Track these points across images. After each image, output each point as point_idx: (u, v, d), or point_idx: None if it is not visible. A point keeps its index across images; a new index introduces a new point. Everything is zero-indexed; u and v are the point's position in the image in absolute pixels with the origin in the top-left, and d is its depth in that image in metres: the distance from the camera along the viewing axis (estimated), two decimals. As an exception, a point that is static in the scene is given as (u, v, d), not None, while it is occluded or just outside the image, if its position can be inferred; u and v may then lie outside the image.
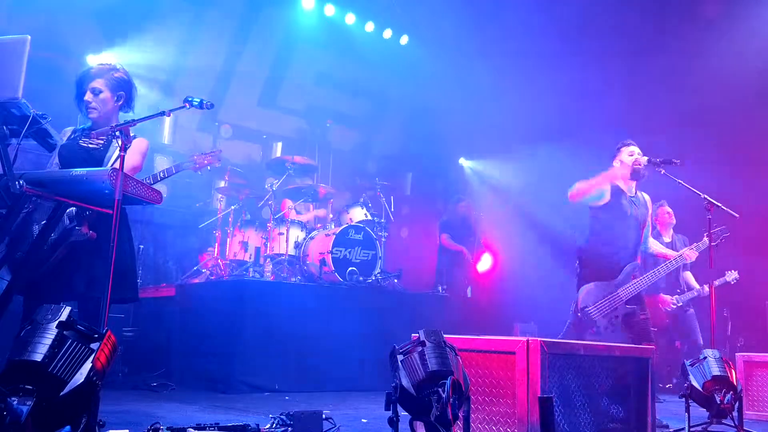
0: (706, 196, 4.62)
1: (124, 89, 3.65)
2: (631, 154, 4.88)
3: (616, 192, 4.83)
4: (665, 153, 4.87)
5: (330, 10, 9.25)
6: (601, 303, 4.62)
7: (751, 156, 7.56)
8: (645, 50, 8.40)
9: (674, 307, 5.67)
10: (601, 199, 4.78)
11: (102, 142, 3.54)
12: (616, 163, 4.93)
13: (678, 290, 5.86)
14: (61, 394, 2.15)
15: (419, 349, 2.64)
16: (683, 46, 8.19)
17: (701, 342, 6.22)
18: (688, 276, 6.49)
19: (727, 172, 7.25)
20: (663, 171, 4.73)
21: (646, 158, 4.82)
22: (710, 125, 7.90)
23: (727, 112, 7.71)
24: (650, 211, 5.02)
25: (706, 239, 4.88)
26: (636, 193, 4.94)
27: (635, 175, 4.86)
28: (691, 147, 7.52)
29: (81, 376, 2.19)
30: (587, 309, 4.64)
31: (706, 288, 5.84)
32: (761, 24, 7.65)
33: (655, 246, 5.12)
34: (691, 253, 4.89)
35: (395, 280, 7.19)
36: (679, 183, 4.75)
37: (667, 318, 5.80)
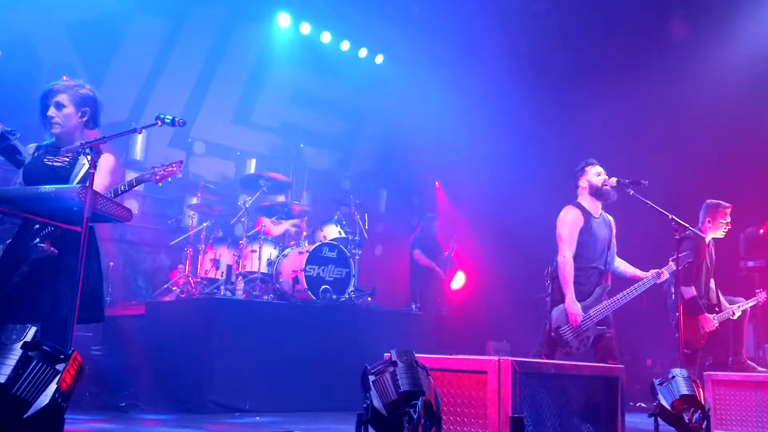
0: (673, 217, 4.69)
1: (88, 105, 3.59)
2: (598, 174, 4.93)
3: (587, 215, 4.88)
4: (635, 175, 4.94)
5: (306, 28, 9.29)
6: (576, 325, 4.67)
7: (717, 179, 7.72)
8: (618, 74, 8.55)
9: (714, 328, 5.69)
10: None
11: (68, 160, 3.49)
12: (582, 183, 4.98)
13: (717, 309, 5.87)
14: (26, 416, 2.11)
15: (391, 369, 2.64)
16: (654, 69, 8.37)
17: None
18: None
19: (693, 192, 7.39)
20: (632, 192, 4.80)
21: (615, 179, 4.88)
22: (680, 148, 8.06)
23: (699, 134, 7.88)
24: (614, 232, 5.08)
25: (671, 263, 4.95)
26: (601, 214, 5.00)
27: (604, 195, 4.91)
28: (659, 169, 7.65)
29: (46, 397, 2.15)
30: (561, 329, 4.68)
31: (737, 311, 5.87)
32: (731, 49, 7.86)
33: (622, 266, 5.16)
34: (664, 274, 4.93)
35: (369, 298, 7.18)
36: (648, 204, 4.83)
37: (704, 339, 5.76)
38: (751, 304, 5.90)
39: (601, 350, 4.71)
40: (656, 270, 4.95)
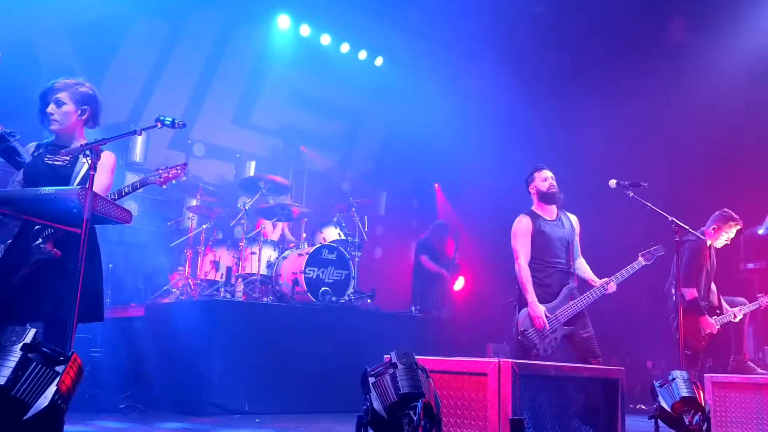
0: (673, 219, 4.69)
1: (88, 104, 3.58)
2: (544, 180, 5.01)
3: (536, 220, 4.93)
4: (634, 176, 4.95)
5: (305, 30, 9.30)
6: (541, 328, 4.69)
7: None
8: (617, 76, 8.56)
9: (715, 330, 5.72)
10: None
11: (69, 159, 3.48)
12: (531, 189, 5.04)
13: (718, 311, 5.89)
14: (25, 418, 2.10)
15: (391, 371, 2.64)
16: (653, 71, 8.37)
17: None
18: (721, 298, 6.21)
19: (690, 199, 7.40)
20: (631, 194, 4.81)
21: (614, 180, 4.89)
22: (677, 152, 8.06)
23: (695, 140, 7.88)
24: (577, 231, 5.10)
25: (641, 259, 4.96)
26: (558, 215, 5.03)
27: (550, 199, 4.96)
28: (658, 170, 7.65)
29: (45, 399, 2.15)
30: (527, 332, 4.71)
31: (738, 314, 5.91)
32: (730, 51, 7.86)
33: (581, 268, 5.12)
34: (611, 285, 4.89)
35: (368, 300, 7.17)
36: (648, 206, 4.82)
37: (705, 341, 5.78)
38: (752, 308, 5.91)
39: (580, 351, 4.74)
40: (606, 279, 4.91)
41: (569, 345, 4.79)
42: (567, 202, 5.08)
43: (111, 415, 5.38)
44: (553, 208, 5.03)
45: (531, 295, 4.75)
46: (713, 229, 5.89)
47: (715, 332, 5.67)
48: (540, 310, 4.71)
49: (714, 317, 5.72)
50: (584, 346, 4.73)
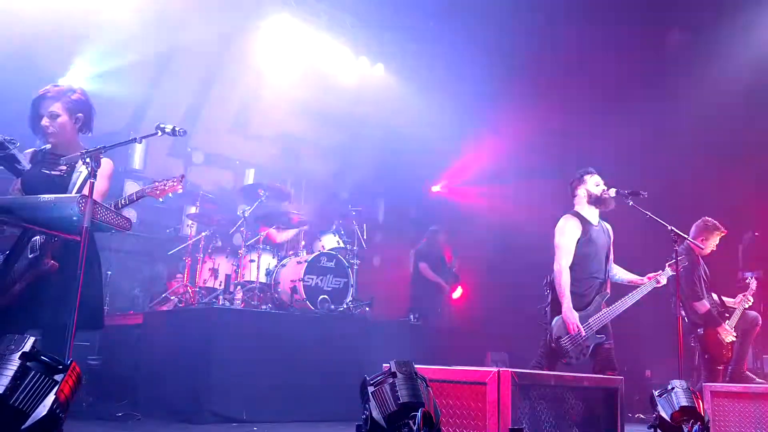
0: (672, 228, 4.70)
1: (82, 111, 3.58)
2: (597, 184, 4.96)
3: (585, 224, 4.89)
4: (633, 185, 4.96)
5: (305, 38, 9.29)
6: (575, 334, 4.67)
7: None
8: (618, 88, 8.58)
9: (734, 337, 5.75)
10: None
11: (65, 168, 3.47)
12: (581, 192, 4.99)
13: (727, 314, 5.93)
14: (23, 427, 2.10)
15: (390, 380, 2.63)
16: (654, 79, 8.40)
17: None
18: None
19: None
20: (631, 202, 4.81)
21: (614, 189, 4.89)
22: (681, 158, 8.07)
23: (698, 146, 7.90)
24: (612, 239, 5.09)
25: (668, 269, 4.97)
26: (599, 222, 5.01)
27: (604, 204, 4.93)
28: (656, 179, 7.66)
29: (44, 408, 2.14)
30: (561, 340, 4.67)
31: (746, 301, 6.00)
32: (730, 60, 7.89)
33: (619, 273, 5.15)
34: (663, 278, 4.95)
35: (367, 309, 7.16)
36: (648, 215, 4.83)
37: (731, 352, 5.79)
38: (749, 294, 6.05)
39: (600, 361, 4.70)
40: (654, 274, 4.95)
41: (591, 354, 4.75)
42: (567, 209, 5.07)
43: (108, 424, 5.35)
44: (597, 213, 4.98)
45: (567, 301, 4.68)
46: (702, 240, 5.94)
47: (734, 337, 5.71)
48: (575, 316, 4.67)
49: (727, 322, 5.77)
50: (605, 356, 4.71)
